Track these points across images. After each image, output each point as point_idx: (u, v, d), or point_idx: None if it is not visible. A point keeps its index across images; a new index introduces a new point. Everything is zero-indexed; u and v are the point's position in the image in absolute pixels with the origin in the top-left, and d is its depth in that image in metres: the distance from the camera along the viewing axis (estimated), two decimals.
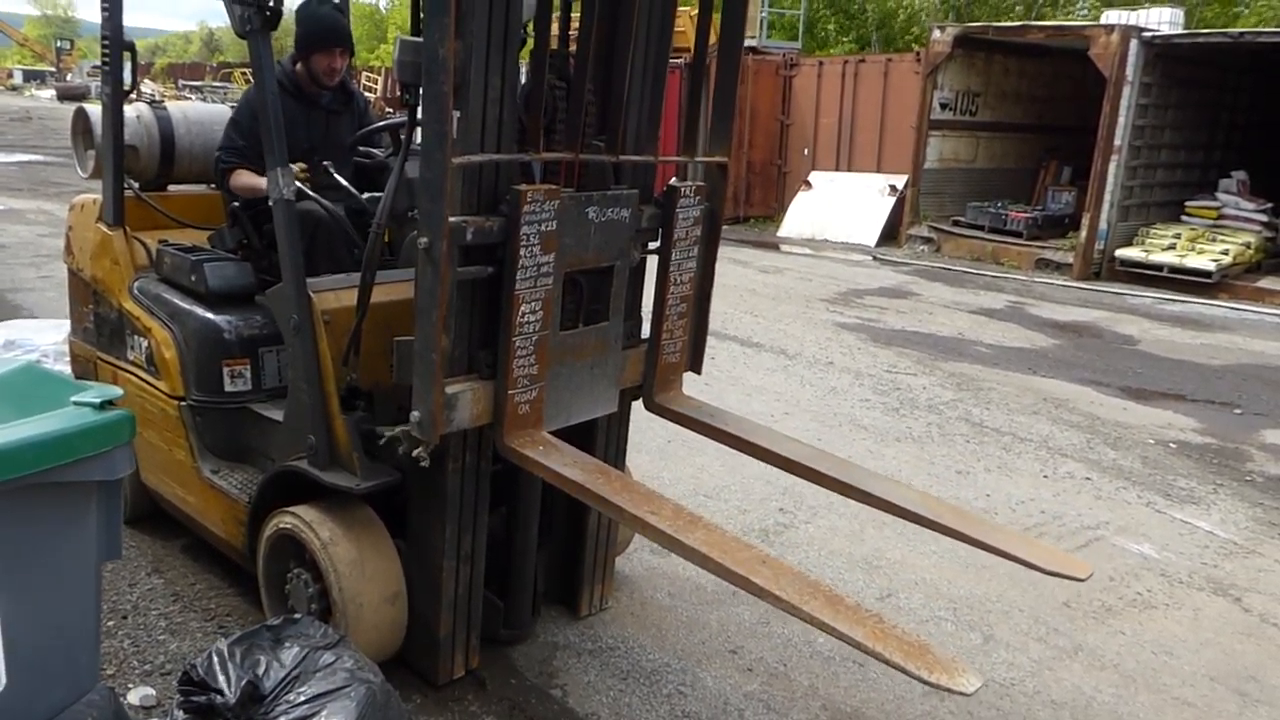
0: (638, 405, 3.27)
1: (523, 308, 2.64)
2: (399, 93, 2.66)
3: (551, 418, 2.84)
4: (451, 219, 2.45)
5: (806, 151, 15.78)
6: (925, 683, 2.00)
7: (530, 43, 2.87)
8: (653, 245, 3.14)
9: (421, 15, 2.43)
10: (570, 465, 2.65)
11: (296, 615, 2.60)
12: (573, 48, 2.88)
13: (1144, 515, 4.75)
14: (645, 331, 3.24)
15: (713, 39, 3.15)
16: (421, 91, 2.43)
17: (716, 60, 3.15)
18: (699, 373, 3.36)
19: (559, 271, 2.73)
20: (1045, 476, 5.18)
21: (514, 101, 2.65)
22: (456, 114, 2.48)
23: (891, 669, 2.04)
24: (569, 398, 2.91)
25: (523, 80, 2.82)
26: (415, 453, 2.61)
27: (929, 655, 2.04)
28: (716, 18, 3.11)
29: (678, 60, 17.35)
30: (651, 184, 3.13)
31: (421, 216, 2.48)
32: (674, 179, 3.14)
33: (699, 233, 3.12)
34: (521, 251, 2.59)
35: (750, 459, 3.15)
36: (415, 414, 2.58)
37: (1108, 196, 11.71)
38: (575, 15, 3.09)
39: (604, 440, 3.26)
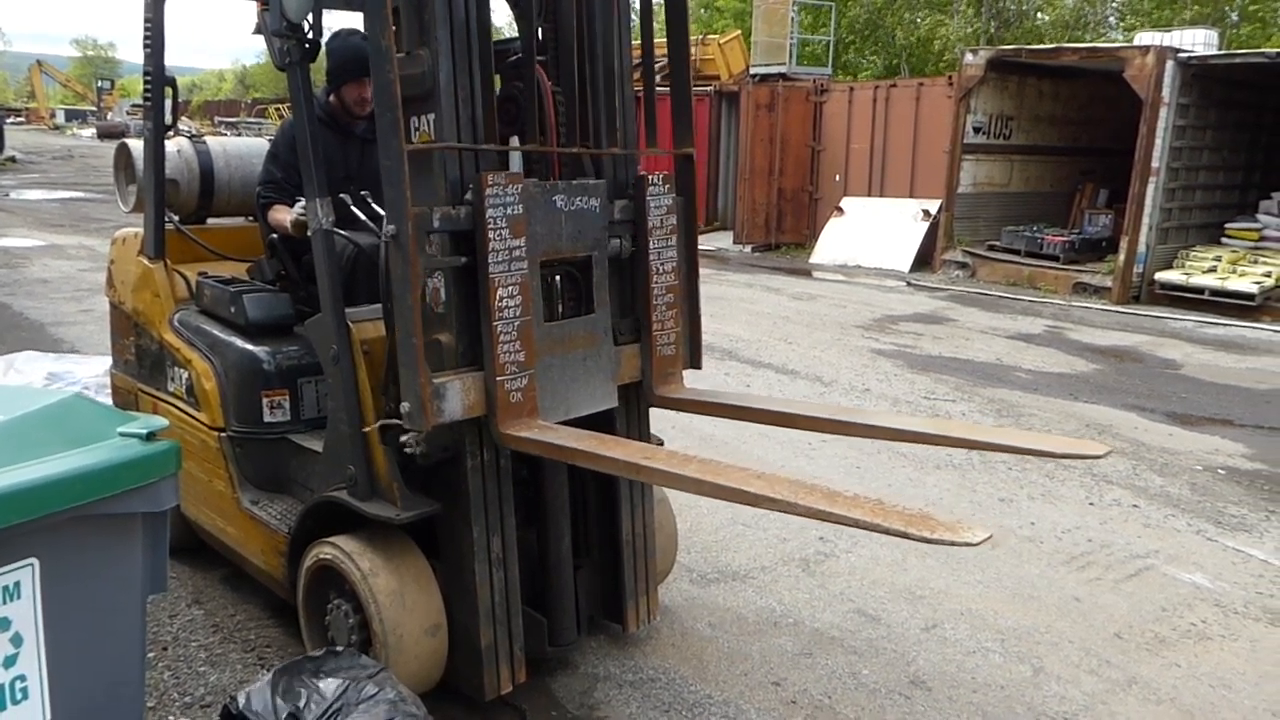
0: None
1: (500, 292, 2.70)
2: None
3: (548, 409, 2.86)
4: (416, 208, 2.55)
5: (838, 177, 15.75)
6: (929, 541, 1.99)
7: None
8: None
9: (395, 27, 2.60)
10: (564, 438, 2.69)
11: (338, 647, 2.58)
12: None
13: (1195, 543, 4.63)
14: None
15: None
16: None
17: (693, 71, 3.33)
18: (699, 368, 3.37)
19: (533, 258, 2.79)
20: (1091, 504, 5.07)
21: (486, 102, 2.76)
22: (431, 116, 2.66)
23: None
24: (564, 390, 2.94)
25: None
26: (403, 440, 2.67)
27: (931, 520, 2.04)
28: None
29: (707, 88, 17.51)
30: (632, 181, 3.21)
31: (387, 205, 2.59)
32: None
33: (674, 222, 3.19)
34: (490, 235, 2.67)
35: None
36: (405, 405, 2.63)
37: (1146, 219, 11.57)
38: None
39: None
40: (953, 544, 2.00)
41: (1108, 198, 13.94)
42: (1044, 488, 5.27)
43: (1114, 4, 26.61)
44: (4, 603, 1.78)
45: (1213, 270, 11.42)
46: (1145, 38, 14.04)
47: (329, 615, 3.02)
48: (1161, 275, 11.60)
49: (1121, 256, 11.73)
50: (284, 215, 3.49)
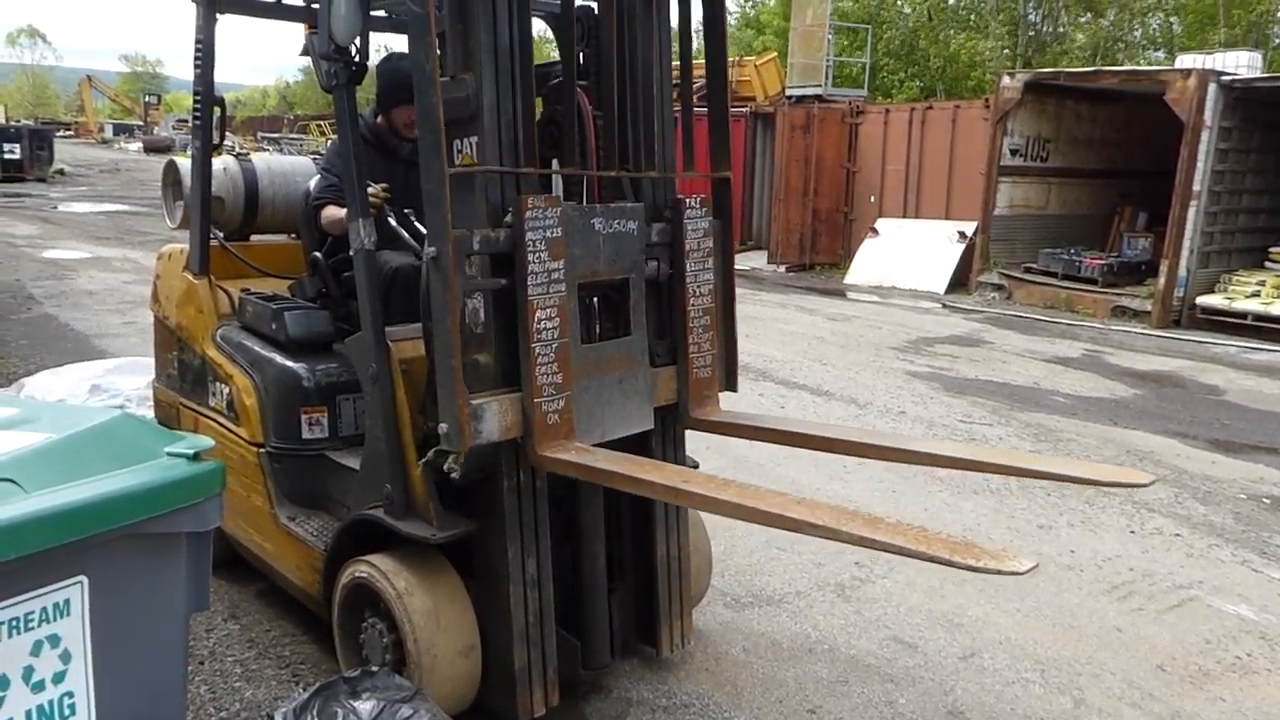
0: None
1: (538, 314, 2.72)
2: None
3: (585, 431, 2.86)
4: (457, 230, 2.57)
5: (873, 199, 15.70)
6: (974, 570, 1.98)
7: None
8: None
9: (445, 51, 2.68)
10: (602, 460, 2.69)
11: (374, 668, 2.58)
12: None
13: (1239, 574, 4.54)
14: None
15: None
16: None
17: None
18: (734, 390, 3.37)
19: (571, 280, 2.81)
20: (1132, 532, 4.98)
21: (527, 125, 2.79)
22: (474, 139, 2.69)
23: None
24: (601, 412, 2.94)
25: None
26: (445, 466, 2.68)
27: (975, 549, 2.03)
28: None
29: (742, 109, 17.54)
30: (669, 204, 3.22)
31: (428, 227, 2.63)
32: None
33: (710, 245, 3.20)
34: (530, 257, 2.69)
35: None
36: (443, 426, 2.64)
37: (1187, 242, 11.42)
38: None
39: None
40: (999, 572, 1.99)
41: (1147, 220, 13.76)
42: (1084, 515, 5.19)
43: (1147, 29, 26.42)
44: (54, 620, 1.81)
45: (1256, 295, 11.24)
46: (1187, 60, 13.90)
47: (364, 633, 3.02)
48: (1203, 299, 11.43)
49: (1161, 280, 11.58)
50: (338, 211, 3.52)
